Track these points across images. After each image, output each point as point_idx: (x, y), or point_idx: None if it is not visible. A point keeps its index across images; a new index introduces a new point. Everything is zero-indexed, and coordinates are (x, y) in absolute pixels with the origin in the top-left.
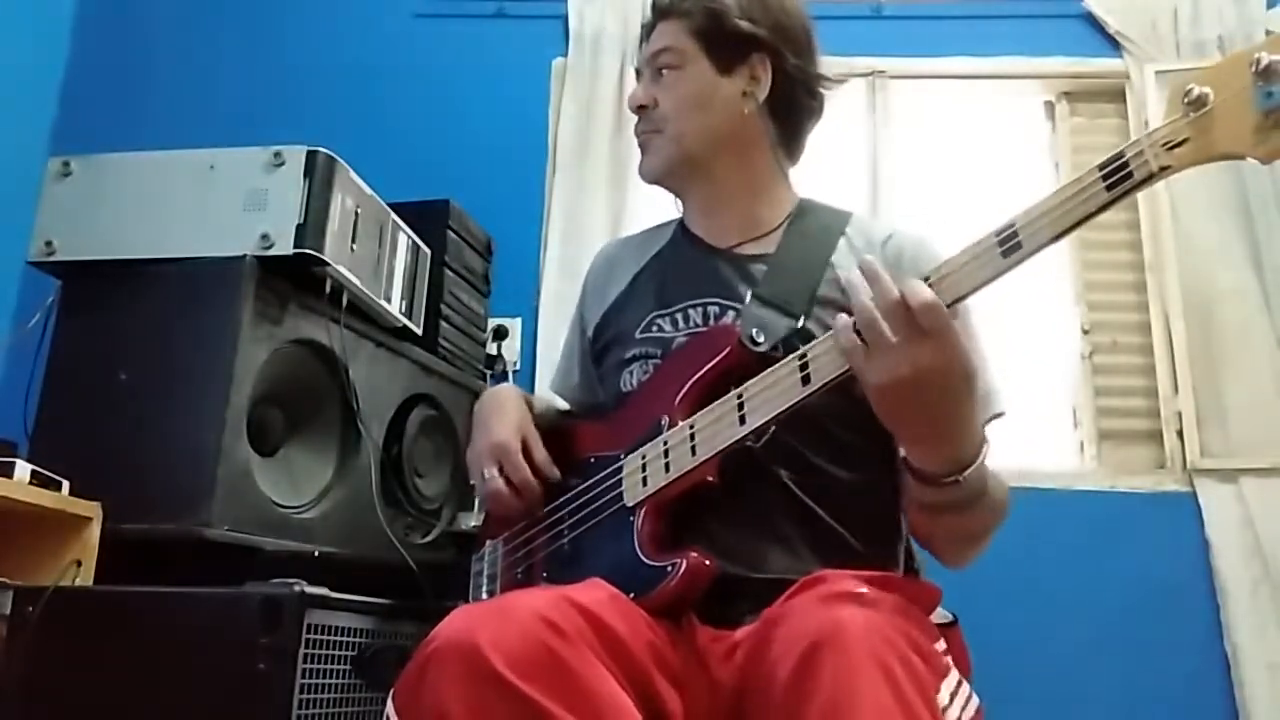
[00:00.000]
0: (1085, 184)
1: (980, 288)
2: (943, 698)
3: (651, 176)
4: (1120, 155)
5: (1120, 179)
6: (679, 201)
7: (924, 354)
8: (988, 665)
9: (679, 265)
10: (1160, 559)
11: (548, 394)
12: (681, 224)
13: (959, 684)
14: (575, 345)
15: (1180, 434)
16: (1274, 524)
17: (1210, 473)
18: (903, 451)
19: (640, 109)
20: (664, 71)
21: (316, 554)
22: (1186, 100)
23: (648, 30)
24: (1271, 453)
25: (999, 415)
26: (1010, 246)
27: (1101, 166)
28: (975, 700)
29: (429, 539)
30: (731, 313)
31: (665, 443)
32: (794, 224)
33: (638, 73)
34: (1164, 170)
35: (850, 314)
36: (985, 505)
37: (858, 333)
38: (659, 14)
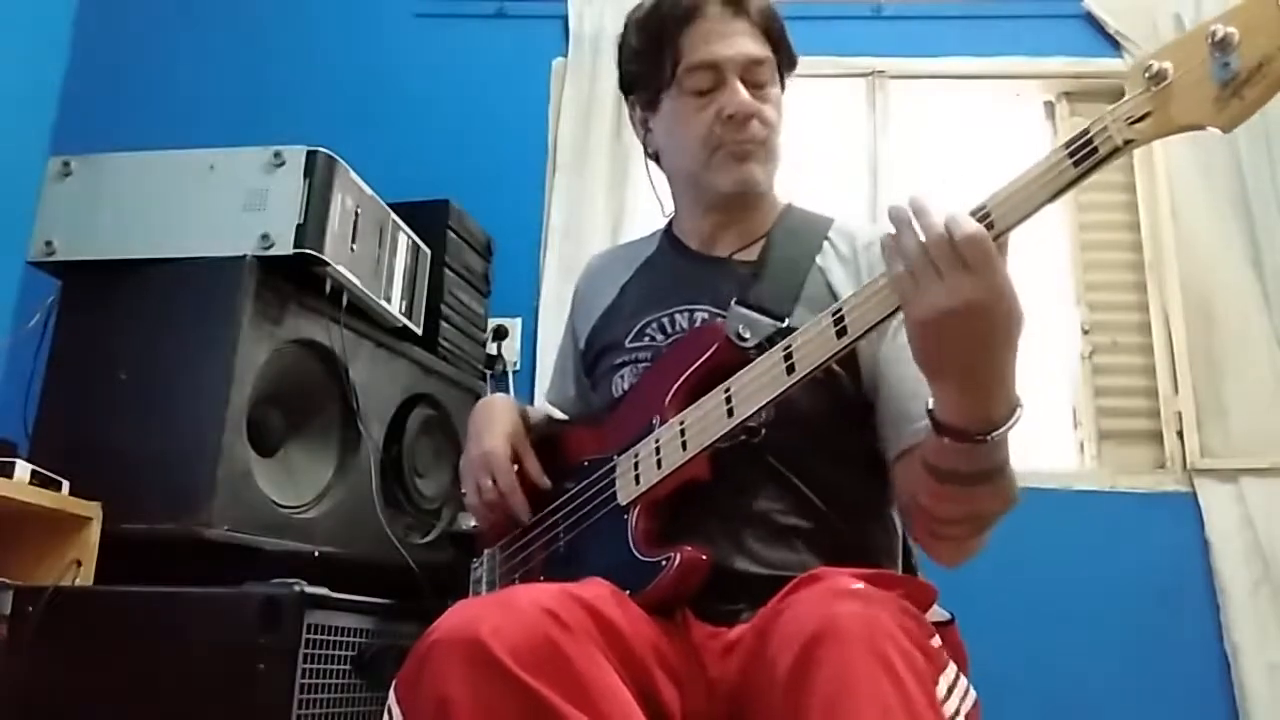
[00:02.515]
0: (1053, 162)
1: None
2: (941, 690)
3: (756, 187)
4: (1085, 132)
5: (1086, 155)
6: (675, 205)
7: (965, 286)
8: (987, 665)
9: (668, 273)
10: (1160, 559)
11: (544, 404)
12: (669, 232)
13: (957, 677)
14: (568, 358)
15: (1180, 434)
16: (1274, 524)
17: (1210, 473)
18: (933, 403)
19: (748, 119)
20: (764, 84)
21: (316, 554)
22: (1147, 75)
23: (688, 14)
24: (1271, 453)
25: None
26: (985, 226)
27: (1068, 144)
28: (973, 694)
29: (429, 539)
30: (718, 319)
31: (657, 440)
32: (780, 229)
33: (705, 66)
34: (1128, 144)
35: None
36: (1001, 484)
37: (905, 267)
38: (741, 12)
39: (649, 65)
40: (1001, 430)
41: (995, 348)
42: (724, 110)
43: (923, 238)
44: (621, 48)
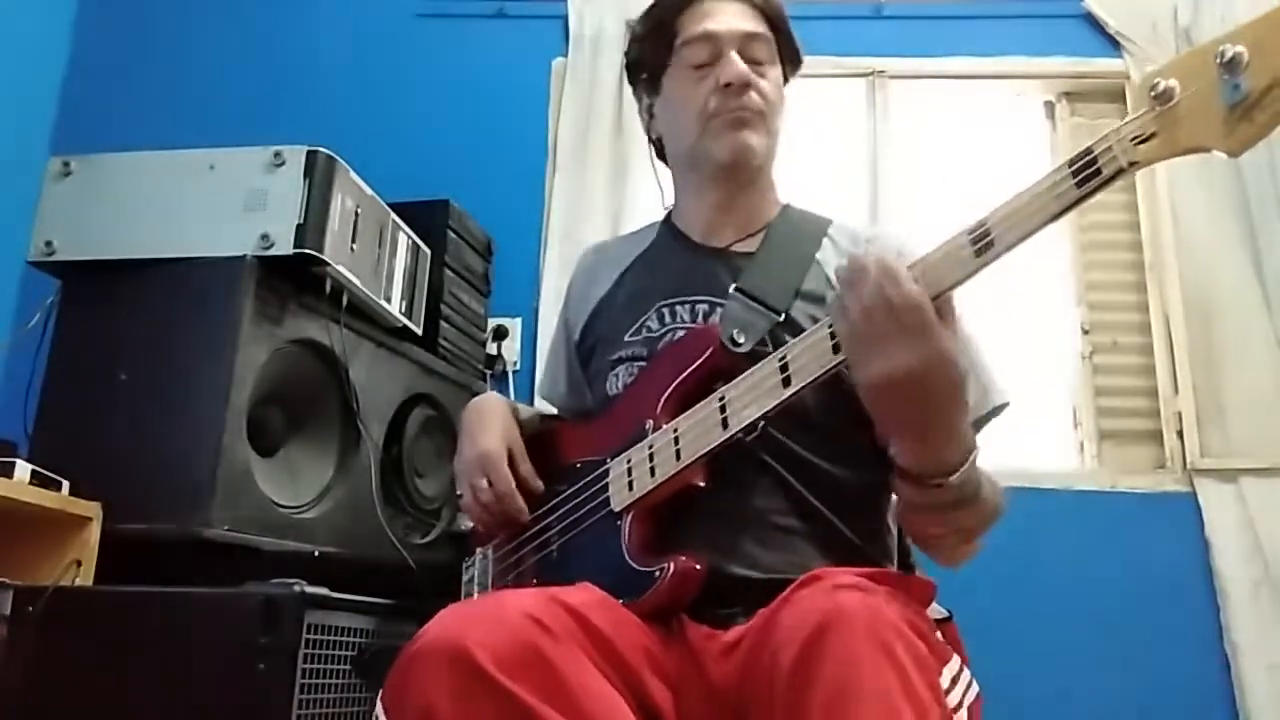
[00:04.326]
0: (1055, 181)
1: (954, 287)
2: (945, 680)
3: (753, 157)
4: (1089, 152)
5: (1089, 175)
6: (675, 196)
7: (905, 351)
8: (987, 665)
9: (667, 263)
10: (1160, 559)
11: (539, 402)
12: (668, 223)
13: (960, 669)
14: (561, 351)
15: (1180, 434)
16: (1274, 524)
17: (1210, 473)
18: (892, 450)
19: (745, 88)
20: (761, 60)
21: (316, 554)
22: (1153, 94)
23: None
24: (1271, 453)
25: (1003, 406)
26: (983, 245)
27: (1071, 163)
28: (975, 687)
29: (429, 539)
30: (719, 310)
31: (650, 447)
32: (779, 224)
33: (703, 39)
34: (1133, 165)
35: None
36: (976, 508)
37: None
38: None
39: (651, 47)
40: (958, 475)
41: (940, 408)
42: (721, 79)
43: (864, 302)
44: (630, 36)
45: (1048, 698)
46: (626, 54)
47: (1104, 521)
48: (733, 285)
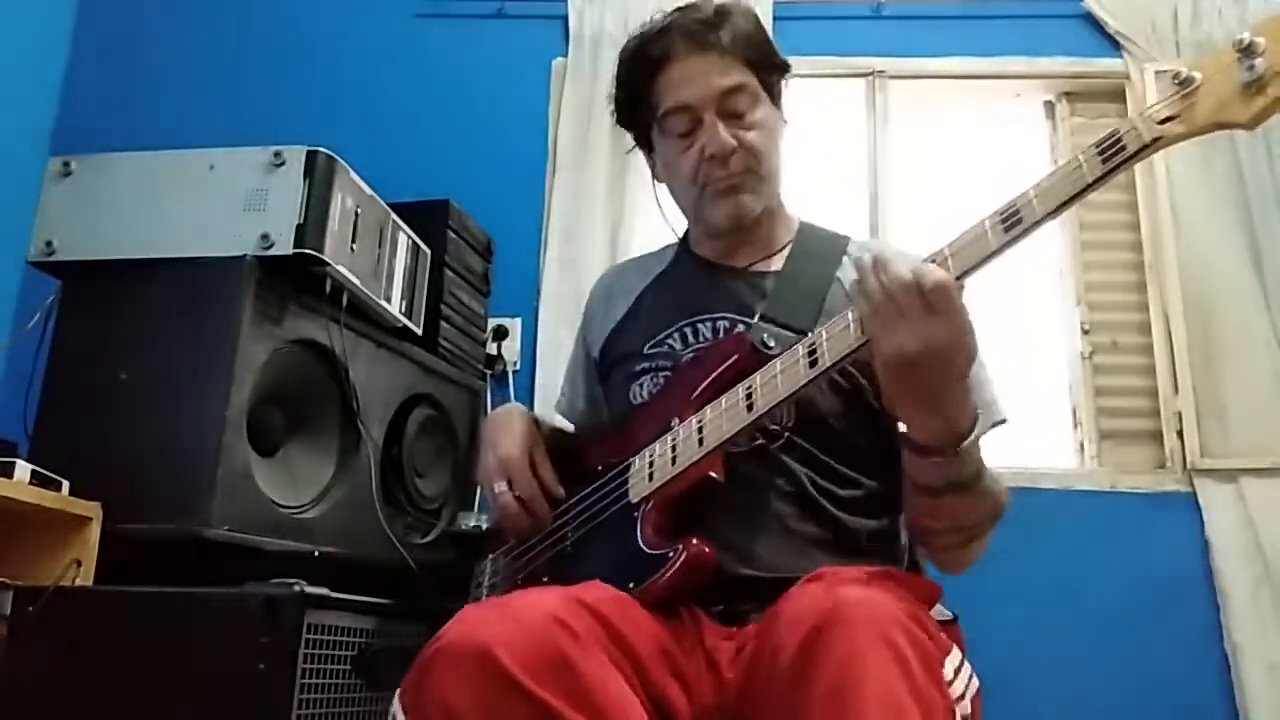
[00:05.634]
0: (1083, 158)
1: (986, 261)
2: (947, 671)
3: (752, 214)
4: (1114, 133)
5: (1115, 151)
6: (689, 225)
7: (935, 331)
8: (988, 665)
9: (688, 282)
10: (1160, 559)
11: (554, 415)
12: (685, 246)
13: (961, 661)
14: (579, 369)
15: (1180, 434)
16: (1274, 524)
17: (1210, 473)
18: (903, 427)
19: (730, 155)
20: (742, 112)
21: (316, 554)
22: (1175, 81)
23: (657, 61)
24: (1271, 453)
25: (1001, 422)
26: (1012, 222)
27: (1098, 144)
28: (976, 681)
29: (429, 539)
30: (742, 326)
31: (673, 439)
32: (799, 244)
33: (679, 110)
34: (1156, 142)
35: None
36: (982, 489)
37: (871, 309)
38: (710, 46)
39: (633, 111)
40: (967, 441)
41: (954, 379)
42: (706, 151)
43: (886, 284)
44: (611, 99)
45: (1048, 698)
46: (612, 113)
47: (1104, 521)
48: (758, 315)
